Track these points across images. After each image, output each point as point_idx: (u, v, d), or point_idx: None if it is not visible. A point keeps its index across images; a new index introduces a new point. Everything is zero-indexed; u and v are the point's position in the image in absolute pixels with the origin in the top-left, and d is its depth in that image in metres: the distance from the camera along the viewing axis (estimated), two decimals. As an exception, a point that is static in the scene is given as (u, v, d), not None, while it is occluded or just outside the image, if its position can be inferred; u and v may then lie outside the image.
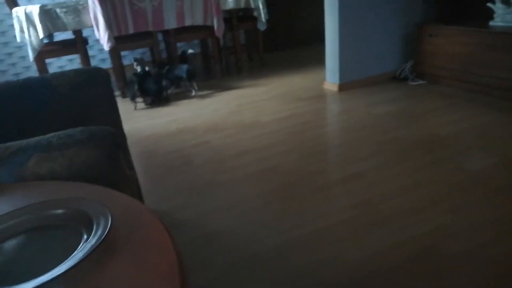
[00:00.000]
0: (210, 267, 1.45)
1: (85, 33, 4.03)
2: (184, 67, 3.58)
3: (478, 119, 2.55)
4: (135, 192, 1.29)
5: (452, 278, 1.30)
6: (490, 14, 2.99)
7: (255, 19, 4.25)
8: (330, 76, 3.44)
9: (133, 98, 3.43)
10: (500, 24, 2.89)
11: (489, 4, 2.97)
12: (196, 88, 3.67)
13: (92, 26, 3.45)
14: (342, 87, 3.37)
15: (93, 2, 3.27)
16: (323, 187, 1.93)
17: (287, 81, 3.90)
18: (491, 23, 2.96)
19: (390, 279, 1.32)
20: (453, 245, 1.45)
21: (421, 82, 3.39)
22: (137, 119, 3.17)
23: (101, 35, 3.42)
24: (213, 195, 1.95)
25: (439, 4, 3.39)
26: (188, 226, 1.72)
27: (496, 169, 1.94)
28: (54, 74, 1.53)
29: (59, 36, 4.22)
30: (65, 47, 3.69)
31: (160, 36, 4.37)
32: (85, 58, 3.74)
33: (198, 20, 3.78)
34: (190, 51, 3.84)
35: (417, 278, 1.31)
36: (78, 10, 3.43)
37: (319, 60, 4.20)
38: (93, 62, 4.69)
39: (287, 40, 5.46)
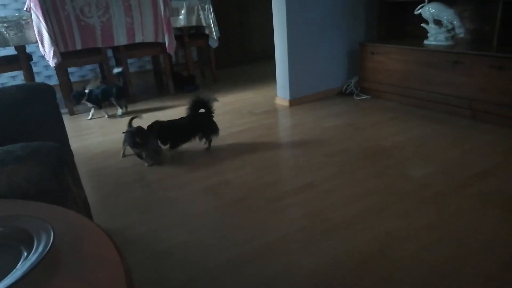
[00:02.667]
0: (165, 284, 1.42)
1: (29, 49, 3.87)
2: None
3: (417, 131, 2.73)
4: (83, 210, 1.24)
5: (399, 281, 1.36)
6: (425, 34, 3.25)
7: (207, 37, 4.30)
8: (281, 92, 3.55)
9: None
10: (433, 43, 3.14)
11: (423, 25, 3.23)
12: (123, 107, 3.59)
13: (36, 42, 3.31)
14: (293, 102, 3.48)
15: (37, 17, 3.16)
16: (277, 199, 1.96)
17: (239, 96, 3.96)
18: (426, 42, 3.21)
19: (343, 285, 1.36)
20: (399, 249, 1.52)
21: (365, 97, 3.59)
22: (87, 137, 3.06)
23: (46, 51, 3.29)
24: (166, 211, 1.92)
25: (380, 24, 3.63)
26: (142, 243, 1.67)
27: (436, 176, 2.08)
28: (-7, 90, 1.45)
29: (1, 52, 4.01)
30: (6, 63, 3.51)
31: (110, 53, 4.28)
32: (29, 74, 3.57)
33: (149, 37, 3.76)
34: (116, 70, 3.56)
35: (367, 283, 1.36)
36: (21, 25, 3.29)
37: (270, 76, 4.31)
38: (38, 79, 4.48)
39: (239, 57, 5.55)
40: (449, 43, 3.07)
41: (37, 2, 3.10)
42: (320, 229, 1.68)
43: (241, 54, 5.57)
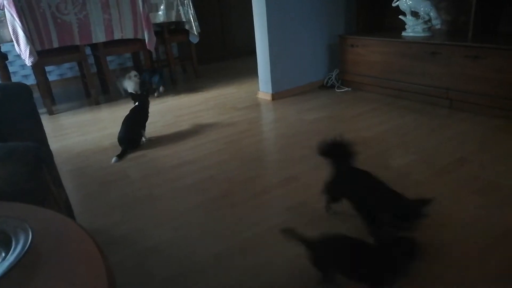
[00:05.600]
0: (150, 281, 1.42)
1: (4, 48, 3.77)
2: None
3: (397, 121, 2.78)
4: (64, 210, 1.23)
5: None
6: (403, 26, 3.30)
7: (187, 32, 4.27)
8: (263, 86, 3.55)
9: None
10: (411, 34, 3.19)
11: (401, 17, 3.28)
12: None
13: (11, 41, 3.23)
14: (275, 96, 3.49)
15: (11, 16, 3.08)
16: (261, 192, 1.97)
17: (222, 92, 3.95)
18: (404, 33, 3.26)
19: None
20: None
21: (346, 89, 3.62)
22: (68, 136, 3.01)
23: (22, 50, 3.21)
24: (151, 209, 1.91)
25: (359, 17, 3.66)
26: (126, 242, 1.66)
27: (415, 165, 2.12)
28: (-33, 90, 1.42)
29: (-27, 52, 3.89)
30: (-20, 64, 3.41)
31: (88, 50, 4.21)
32: (5, 74, 3.49)
33: (128, 33, 3.71)
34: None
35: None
36: (-6, 24, 3.20)
37: (252, 71, 4.30)
38: (15, 79, 4.38)
39: (221, 52, 5.53)
40: (426, 34, 3.12)
41: (11, 0, 3.02)
42: (304, 220, 1.70)
43: (223, 49, 5.55)
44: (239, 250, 1.55)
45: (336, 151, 1.65)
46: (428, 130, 2.58)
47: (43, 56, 3.38)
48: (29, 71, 4.39)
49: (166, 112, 3.40)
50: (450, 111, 2.88)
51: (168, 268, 1.47)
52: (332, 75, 3.73)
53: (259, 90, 3.63)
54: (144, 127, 2.75)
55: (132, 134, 2.64)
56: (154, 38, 3.82)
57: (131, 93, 2.88)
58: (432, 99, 3.01)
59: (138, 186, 2.14)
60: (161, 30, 4.18)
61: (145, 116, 2.77)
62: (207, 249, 1.56)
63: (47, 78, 4.01)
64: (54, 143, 2.85)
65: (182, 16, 4.09)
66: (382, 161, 2.19)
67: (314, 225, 1.66)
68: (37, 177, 0.92)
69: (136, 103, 2.76)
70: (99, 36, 3.57)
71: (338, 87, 3.66)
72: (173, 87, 4.27)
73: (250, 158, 2.38)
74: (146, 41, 3.77)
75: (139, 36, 3.77)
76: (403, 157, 2.22)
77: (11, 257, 0.62)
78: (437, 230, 1.57)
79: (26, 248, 0.64)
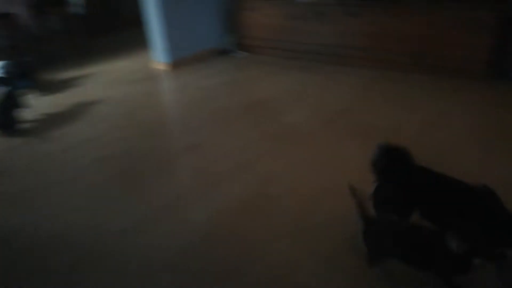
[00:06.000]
0: (48, 270, 1.34)
1: None
2: None
3: (290, 81, 2.92)
4: None
5: (280, 217, 1.49)
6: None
7: (69, 4, 3.89)
8: (158, 56, 3.43)
9: None
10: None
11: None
12: None
13: None
14: (171, 65, 3.40)
15: None
16: (164, 163, 1.96)
17: (115, 66, 3.72)
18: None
19: (233, 230, 1.45)
20: (276, 188, 1.66)
21: (244, 53, 3.67)
22: None
23: None
24: (44, 197, 1.76)
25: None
26: (19, 235, 1.52)
27: (305, 119, 2.27)
28: None
29: None
30: None
31: None
32: None
33: (-5, 6, 3.26)
34: None
35: (254, 223, 1.47)
36: None
37: (145, 42, 4.11)
38: None
39: (111, 25, 5.16)
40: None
41: None
42: (207, 183, 1.74)
43: (113, 21, 5.18)
44: (143, 224, 1.53)
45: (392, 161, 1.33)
46: (317, 86, 2.77)
47: None
48: None
49: (50, 93, 3.09)
50: (336, 67, 3.10)
51: (68, 255, 1.40)
52: (230, 41, 3.73)
53: (153, 60, 3.50)
54: (16, 108, 2.46)
55: (2, 116, 2.38)
56: (29, 11, 3.42)
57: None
58: (322, 57, 3.21)
59: (24, 176, 1.94)
60: (39, 2, 3.74)
61: (15, 98, 2.49)
62: (110, 228, 1.52)
63: None
64: None
65: (60, -15, 3.71)
66: (278, 119, 2.30)
67: (216, 185, 1.71)
68: None
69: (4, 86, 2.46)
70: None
71: (236, 52, 3.69)
72: (57, 65, 3.86)
73: (151, 131, 2.32)
74: (18, 14, 3.35)
75: (9, 10, 3.34)
76: (295, 113, 2.35)
77: None
78: (329, 172, 1.72)
79: None
